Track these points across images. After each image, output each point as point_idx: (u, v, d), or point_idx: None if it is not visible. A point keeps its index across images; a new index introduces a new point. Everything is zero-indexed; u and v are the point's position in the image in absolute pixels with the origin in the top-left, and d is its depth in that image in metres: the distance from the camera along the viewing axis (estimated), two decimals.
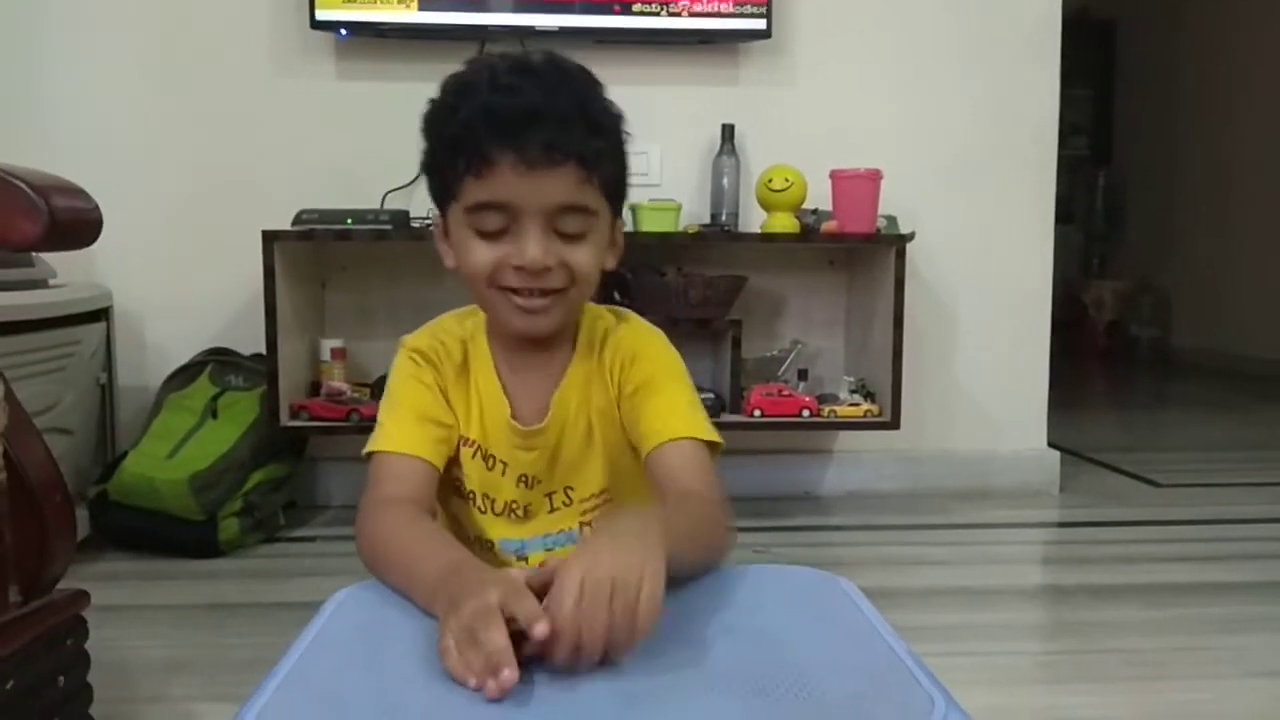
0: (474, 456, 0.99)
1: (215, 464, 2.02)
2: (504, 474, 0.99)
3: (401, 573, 0.78)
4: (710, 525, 0.84)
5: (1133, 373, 5.34)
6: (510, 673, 0.59)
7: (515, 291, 0.90)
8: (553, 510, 1.01)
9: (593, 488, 1.01)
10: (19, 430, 1.04)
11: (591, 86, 0.90)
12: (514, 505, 1.01)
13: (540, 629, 0.61)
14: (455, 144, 0.86)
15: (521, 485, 1.00)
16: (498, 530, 1.01)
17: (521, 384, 0.99)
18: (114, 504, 2.00)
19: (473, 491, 1.00)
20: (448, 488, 1.01)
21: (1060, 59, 2.50)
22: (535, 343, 0.96)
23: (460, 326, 1.01)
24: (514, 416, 0.98)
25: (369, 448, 0.94)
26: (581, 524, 1.02)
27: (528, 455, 0.98)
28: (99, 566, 1.94)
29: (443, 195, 0.92)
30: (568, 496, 1.01)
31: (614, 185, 0.92)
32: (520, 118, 0.84)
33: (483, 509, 1.01)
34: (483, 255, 0.89)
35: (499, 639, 0.61)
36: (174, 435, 2.08)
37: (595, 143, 0.87)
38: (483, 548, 1.02)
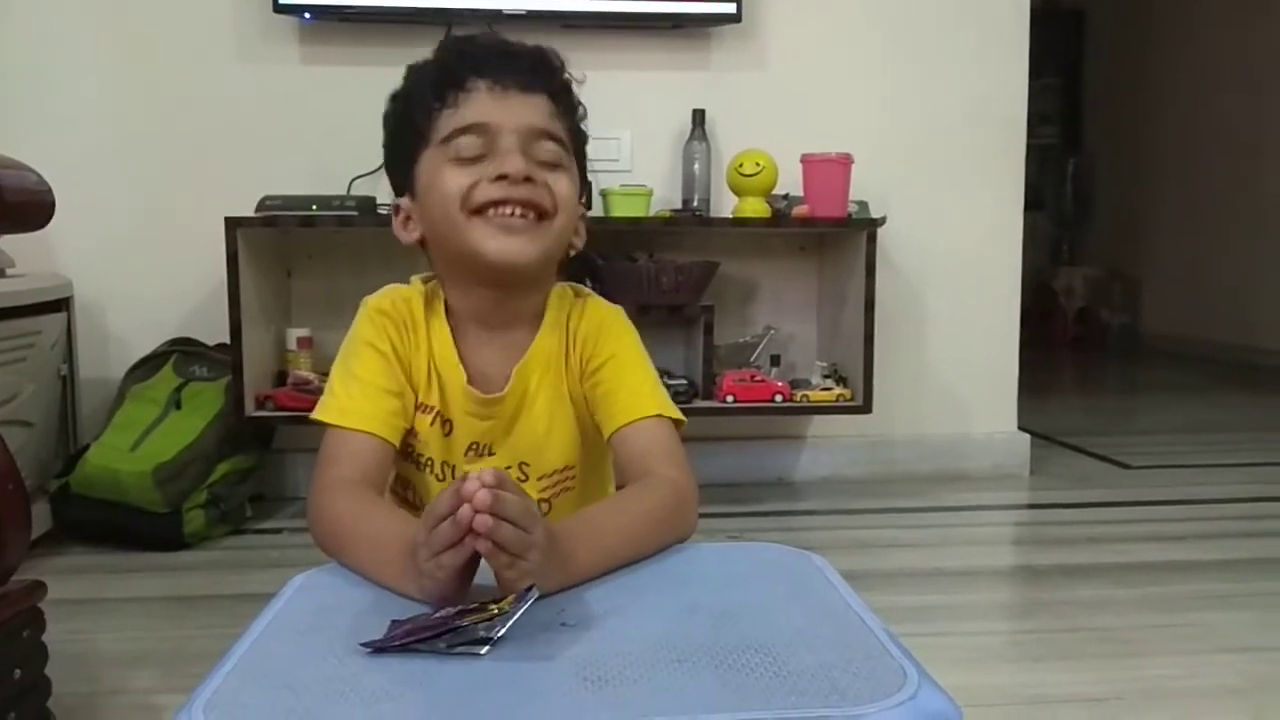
0: (432, 423, 0.97)
1: (179, 455, 1.98)
2: (457, 442, 0.98)
3: (366, 556, 0.77)
4: (665, 506, 0.84)
5: (1103, 358, 5.38)
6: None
7: (494, 212, 0.88)
8: None
9: (555, 464, 0.99)
10: None
11: (557, 55, 0.95)
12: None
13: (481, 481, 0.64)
14: (430, 86, 0.90)
15: (471, 454, 0.98)
16: None
17: (482, 354, 0.97)
18: (76, 497, 1.96)
19: (431, 459, 0.98)
20: (401, 455, 0.99)
21: (1030, 48, 2.50)
22: (500, 313, 0.95)
23: (424, 285, 0.99)
24: (471, 383, 0.96)
25: (318, 414, 0.92)
26: (540, 500, 1.00)
27: (481, 424, 0.97)
28: (61, 560, 1.90)
29: (413, 149, 0.92)
30: (523, 473, 0.99)
31: (578, 145, 0.96)
32: (494, 51, 0.91)
33: (441, 476, 0.98)
34: (459, 178, 0.88)
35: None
36: (137, 427, 2.04)
37: (562, 87, 0.94)
38: None
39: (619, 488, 0.97)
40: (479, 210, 0.88)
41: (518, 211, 0.88)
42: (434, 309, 0.98)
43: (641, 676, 0.56)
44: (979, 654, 1.47)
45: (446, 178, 0.89)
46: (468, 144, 0.88)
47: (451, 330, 0.97)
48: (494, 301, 0.95)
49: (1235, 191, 4.92)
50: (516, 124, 0.88)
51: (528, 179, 0.87)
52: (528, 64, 0.91)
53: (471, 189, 0.88)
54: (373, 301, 0.98)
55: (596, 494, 1.04)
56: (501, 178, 0.87)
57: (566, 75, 0.95)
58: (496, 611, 0.60)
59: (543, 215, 0.89)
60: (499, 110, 0.88)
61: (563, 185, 0.91)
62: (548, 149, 0.90)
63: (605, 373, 0.96)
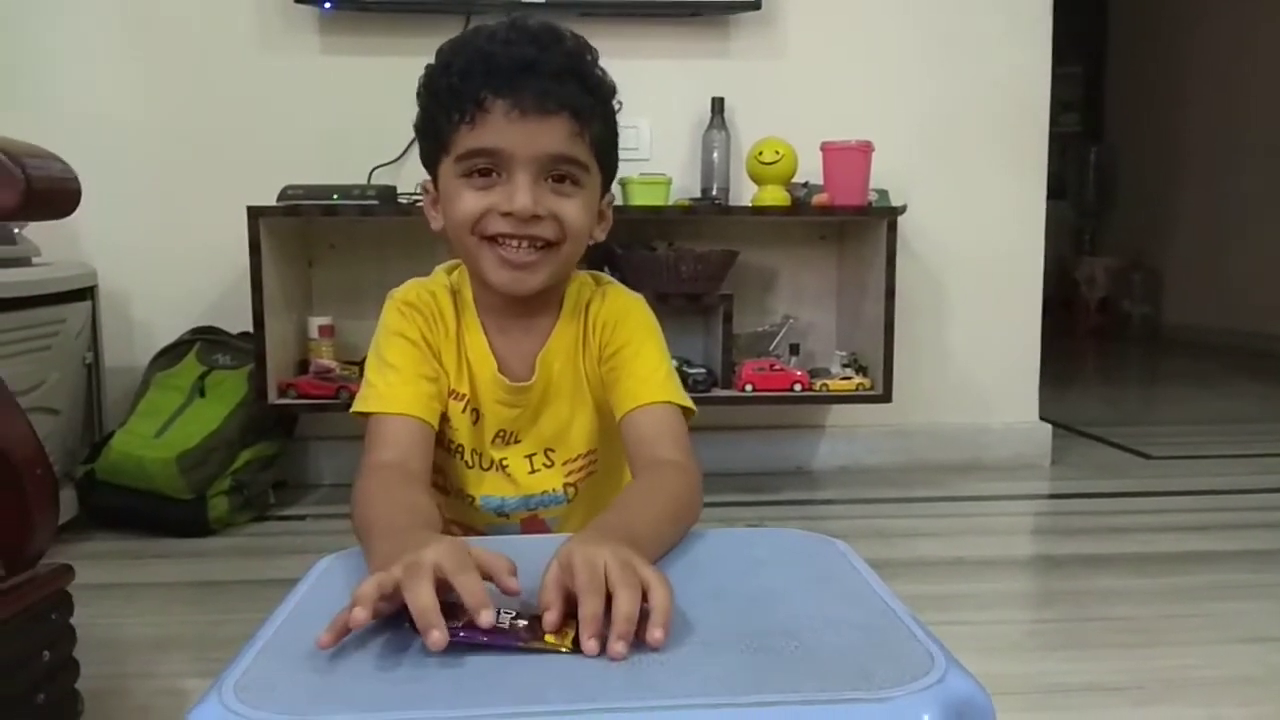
0: (464, 410, 0.98)
1: (203, 443, 2.01)
2: (484, 429, 0.99)
3: (366, 540, 0.76)
4: (683, 494, 0.84)
5: (1124, 348, 5.35)
6: (439, 635, 0.55)
7: (501, 244, 0.89)
8: (533, 471, 1.01)
9: (578, 449, 1.01)
10: None
11: (587, 51, 0.91)
12: (496, 462, 1.00)
13: (485, 617, 0.56)
14: (450, 94, 0.87)
15: (498, 441, 0.99)
16: (483, 487, 1.01)
17: (507, 342, 0.99)
18: (102, 483, 1.99)
19: (461, 446, 1.00)
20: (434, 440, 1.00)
21: (1052, 35, 2.48)
22: (521, 303, 0.95)
23: (448, 277, 1.01)
24: (501, 371, 0.97)
25: (357, 407, 0.94)
26: (566, 484, 1.02)
27: (510, 412, 0.98)
28: (87, 546, 1.92)
29: (435, 151, 0.92)
30: (548, 459, 1.00)
31: (604, 147, 0.93)
32: (515, 66, 0.85)
33: (470, 463, 1.00)
34: (471, 203, 0.89)
35: (424, 597, 0.57)
36: (162, 414, 2.06)
37: (588, 99, 0.88)
38: (465, 502, 1.01)
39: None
40: (488, 237, 0.89)
41: (524, 244, 0.89)
42: (462, 299, 0.99)
43: (669, 659, 0.57)
44: (999, 643, 1.47)
45: (461, 200, 0.89)
46: (482, 167, 0.88)
47: (479, 313, 0.98)
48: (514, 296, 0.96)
49: (1257, 182, 4.87)
50: (530, 152, 0.86)
51: (535, 215, 0.87)
52: (550, 81, 0.85)
53: (482, 217, 0.89)
54: (398, 294, 0.99)
55: (618, 476, 1.05)
56: (510, 214, 0.87)
57: (598, 75, 0.91)
58: (561, 648, 0.58)
59: (550, 244, 0.90)
60: (514, 136, 0.85)
61: (572, 212, 0.89)
62: (563, 173, 0.89)
63: (620, 358, 0.96)
